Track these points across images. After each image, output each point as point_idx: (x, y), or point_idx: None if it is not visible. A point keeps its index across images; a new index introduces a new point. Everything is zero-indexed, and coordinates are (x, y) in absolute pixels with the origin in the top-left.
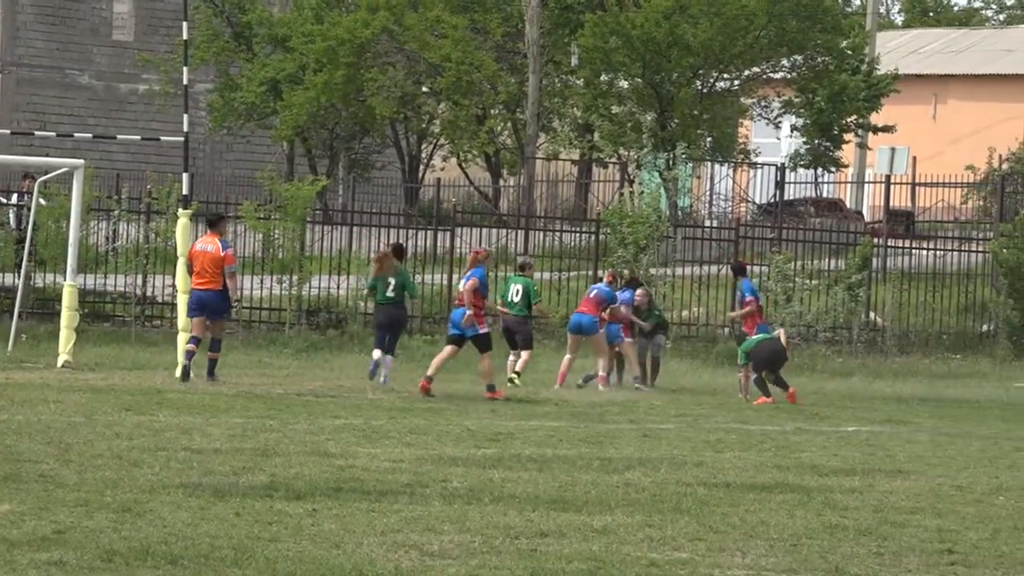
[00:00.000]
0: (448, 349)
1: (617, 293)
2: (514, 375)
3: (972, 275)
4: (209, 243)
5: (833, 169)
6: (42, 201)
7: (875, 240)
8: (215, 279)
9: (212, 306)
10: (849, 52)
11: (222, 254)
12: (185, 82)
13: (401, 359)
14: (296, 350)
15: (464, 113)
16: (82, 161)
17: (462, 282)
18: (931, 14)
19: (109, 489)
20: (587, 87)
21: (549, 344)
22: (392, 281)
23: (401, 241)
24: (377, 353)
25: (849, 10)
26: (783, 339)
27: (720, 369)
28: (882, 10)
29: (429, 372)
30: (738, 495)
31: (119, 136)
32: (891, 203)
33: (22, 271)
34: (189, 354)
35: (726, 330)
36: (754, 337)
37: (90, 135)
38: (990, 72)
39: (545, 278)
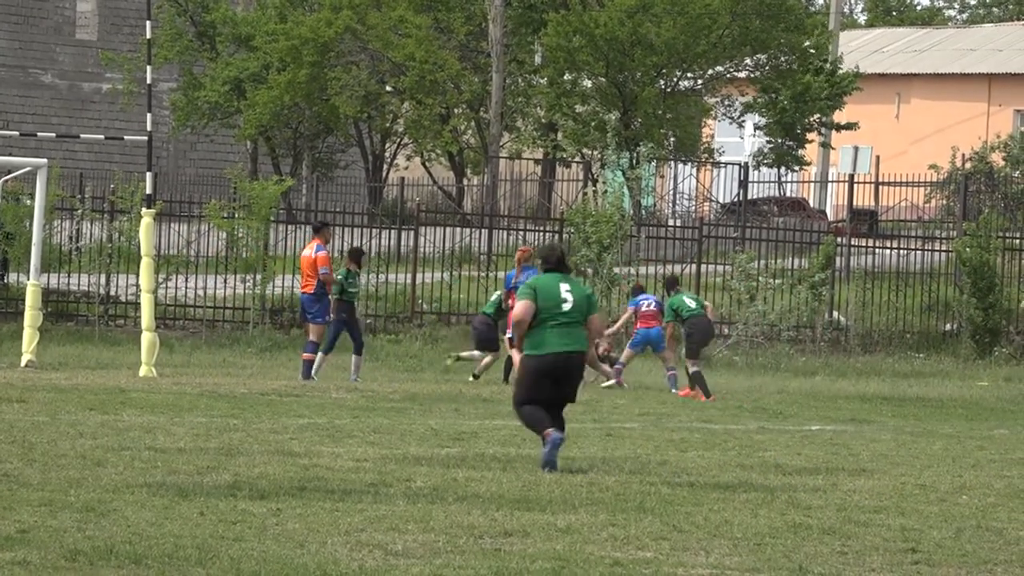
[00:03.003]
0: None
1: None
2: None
3: (935, 274)
4: (309, 248)
5: (796, 168)
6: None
7: (838, 239)
8: (310, 282)
9: (304, 307)
10: (812, 51)
11: (314, 256)
12: (149, 81)
13: (366, 358)
14: (260, 349)
15: (428, 112)
16: (45, 160)
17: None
18: (894, 13)
19: (73, 488)
20: (551, 86)
21: None
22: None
23: (361, 243)
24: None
25: (812, 9)
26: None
27: (684, 367)
28: (845, 9)
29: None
30: (702, 494)
31: (83, 135)
32: (854, 202)
33: None
34: (306, 363)
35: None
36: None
37: (53, 134)
38: (953, 71)
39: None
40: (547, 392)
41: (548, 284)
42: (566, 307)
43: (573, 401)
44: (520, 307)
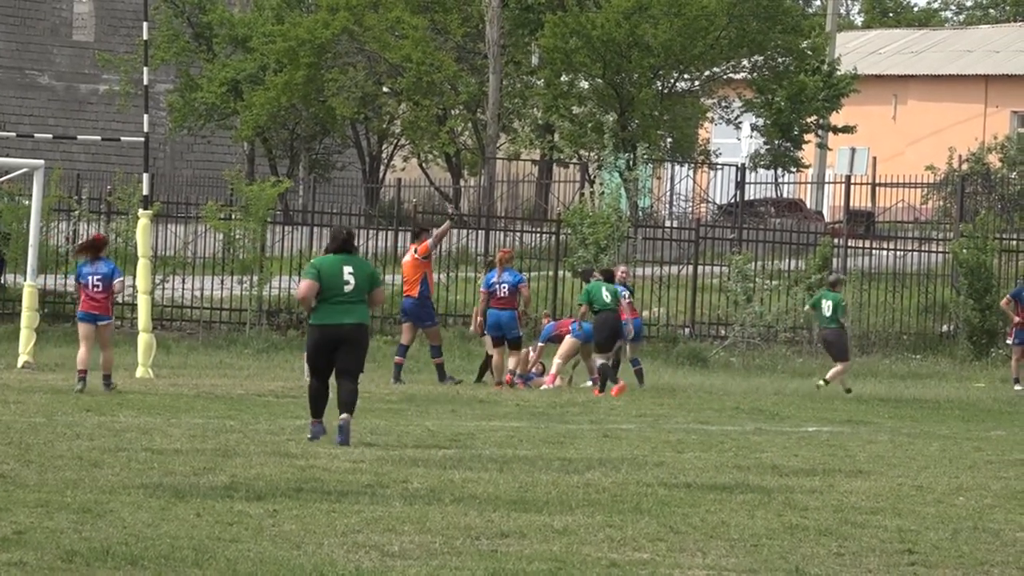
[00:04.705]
0: (499, 351)
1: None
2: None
3: (932, 275)
4: (408, 253)
5: (793, 169)
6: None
7: (835, 240)
8: (413, 286)
9: (411, 313)
10: (809, 53)
11: (419, 260)
12: (146, 82)
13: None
14: (256, 350)
15: (425, 113)
16: (42, 162)
17: (501, 287)
18: (891, 15)
19: (69, 490)
20: (548, 88)
21: None
22: None
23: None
24: None
25: (810, 11)
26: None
27: (681, 369)
28: (842, 11)
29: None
30: (698, 495)
31: (79, 136)
32: (851, 203)
33: None
34: (396, 366)
35: (686, 330)
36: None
37: (50, 136)
38: (949, 73)
39: None
40: (326, 360)
41: (332, 265)
42: (347, 288)
43: (360, 370)
44: (303, 286)
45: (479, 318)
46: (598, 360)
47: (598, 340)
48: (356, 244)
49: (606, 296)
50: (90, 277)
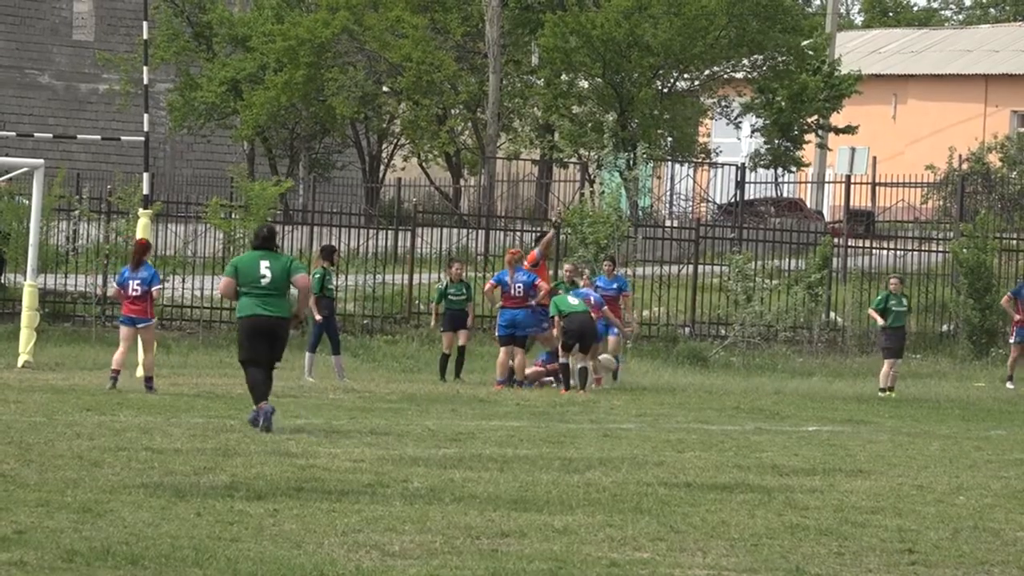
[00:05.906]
0: (505, 350)
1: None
2: None
3: (932, 275)
4: (524, 261)
5: (793, 169)
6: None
7: (835, 240)
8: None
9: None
10: (810, 53)
11: (529, 268)
12: (146, 82)
13: (362, 359)
14: None
15: (425, 113)
16: (42, 161)
17: (516, 286)
18: (891, 14)
19: (70, 489)
20: (547, 87)
21: None
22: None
23: (358, 244)
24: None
25: (809, 10)
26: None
27: (681, 368)
28: (842, 10)
29: (500, 376)
30: (699, 495)
31: (79, 136)
32: (851, 203)
33: None
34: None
35: (687, 330)
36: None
37: (50, 135)
38: (949, 72)
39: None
40: (259, 347)
41: (249, 262)
42: (264, 281)
43: (277, 360)
44: (221, 284)
45: (438, 310)
46: (562, 359)
47: (569, 341)
48: (278, 242)
49: (572, 300)
50: (131, 281)
